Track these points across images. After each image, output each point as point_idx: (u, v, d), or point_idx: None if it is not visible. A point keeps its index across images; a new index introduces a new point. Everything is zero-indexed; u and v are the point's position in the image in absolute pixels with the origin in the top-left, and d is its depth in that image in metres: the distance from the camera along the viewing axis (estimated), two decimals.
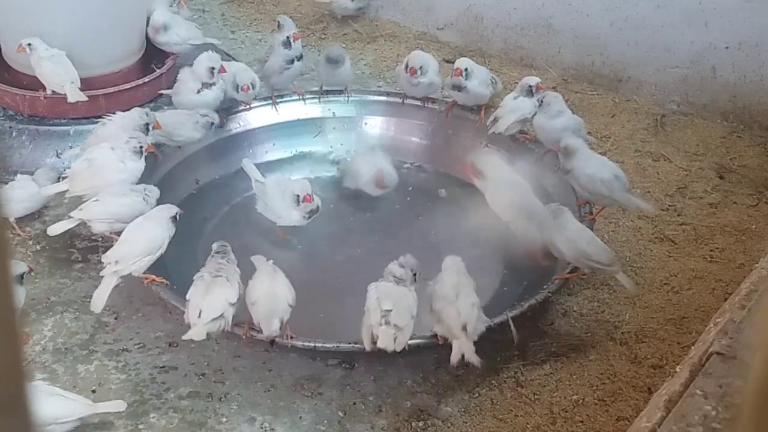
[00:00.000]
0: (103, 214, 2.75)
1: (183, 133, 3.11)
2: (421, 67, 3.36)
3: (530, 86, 3.22)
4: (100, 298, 2.59)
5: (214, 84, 3.21)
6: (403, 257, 2.53)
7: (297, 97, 3.49)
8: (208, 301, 2.44)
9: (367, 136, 3.52)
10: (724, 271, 3.04)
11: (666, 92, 4.02)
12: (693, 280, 3.00)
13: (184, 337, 2.45)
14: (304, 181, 3.01)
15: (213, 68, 3.19)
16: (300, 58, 3.43)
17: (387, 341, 2.32)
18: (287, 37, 3.40)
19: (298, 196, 2.90)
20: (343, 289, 2.86)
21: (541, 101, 3.09)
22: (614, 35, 4.06)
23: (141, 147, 2.88)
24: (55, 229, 2.82)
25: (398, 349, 2.35)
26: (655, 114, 3.95)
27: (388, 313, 2.34)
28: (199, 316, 2.43)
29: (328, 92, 3.52)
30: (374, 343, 2.35)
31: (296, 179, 3.09)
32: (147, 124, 2.99)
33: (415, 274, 2.51)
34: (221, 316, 2.43)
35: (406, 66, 3.38)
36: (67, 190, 2.90)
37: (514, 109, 3.22)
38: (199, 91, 3.21)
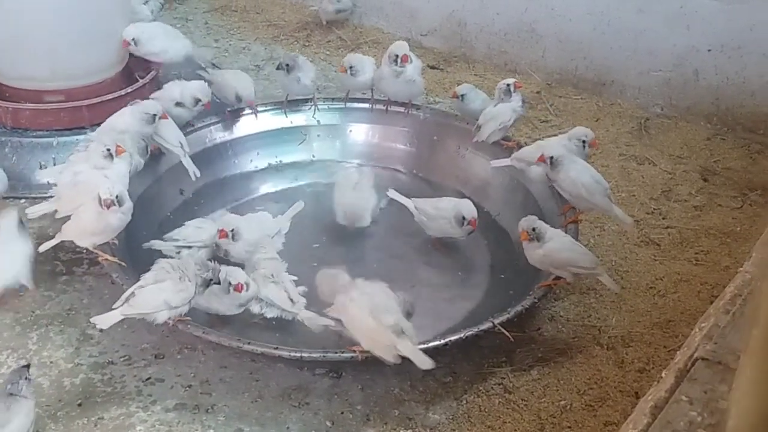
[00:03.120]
0: (78, 230, 2.72)
1: None
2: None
3: (507, 85, 3.23)
4: None
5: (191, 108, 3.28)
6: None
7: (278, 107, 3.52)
8: (145, 292, 2.46)
9: (351, 143, 3.53)
10: (709, 273, 3.05)
11: (649, 96, 4.04)
12: (679, 283, 3.01)
13: (91, 319, 2.49)
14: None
15: (199, 100, 3.25)
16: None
17: (418, 355, 2.32)
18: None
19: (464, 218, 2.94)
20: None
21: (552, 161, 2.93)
22: (597, 39, 4.08)
23: (109, 151, 2.87)
24: (44, 247, 2.80)
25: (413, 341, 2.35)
26: (639, 117, 3.97)
27: (395, 326, 2.32)
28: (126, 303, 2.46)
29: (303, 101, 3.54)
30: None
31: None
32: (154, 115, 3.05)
33: None
34: (151, 313, 2.46)
35: (396, 58, 3.39)
36: (56, 210, 2.85)
37: (494, 116, 3.23)
38: (177, 104, 3.24)
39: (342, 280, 2.55)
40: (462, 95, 3.45)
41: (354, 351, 2.40)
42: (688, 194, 3.49)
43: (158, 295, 2.46)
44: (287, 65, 3.43)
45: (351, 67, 3.48)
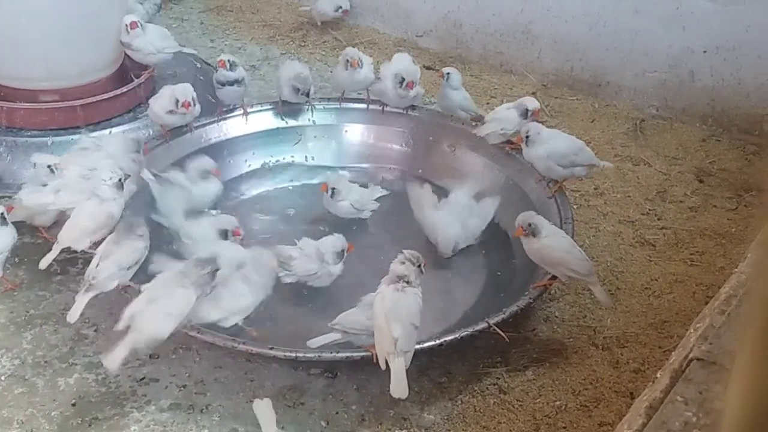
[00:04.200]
0: (76, 234, 2.70)
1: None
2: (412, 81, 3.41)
3: (527, 109, 3.19)
4: None
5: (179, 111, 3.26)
6: (404, 253, 2.47)
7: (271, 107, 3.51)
8: (142, 317, 2.36)
9: (347, 143, 3.53)
10: (704, 274, 3.05)
11: (645, 97, 4.04)
12: (674, 284, 3.01)
13: (103, 362, 2.39)
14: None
15: (177, 101, 3.21)
16: (233, 83, 3.39)
17: (400, 379, 2.30)
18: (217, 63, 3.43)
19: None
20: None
21: (527, 136, 3.07)
22: (593, 40, 4.08)
23: (121, 180, 2.81)
24: (44, 263, 2.79)
25: (407, 365, 2.33)
26: (635, 118, 3.98)
27: (397, 341, 2.29)
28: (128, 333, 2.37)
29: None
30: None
31: None
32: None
33: (419, 266, 2.46)
34: (156, 332, 2.38)
35: (402, 81, 3.37)
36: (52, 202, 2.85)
37: (500, 119, 3.22)
38: (170, 112, 3.23)
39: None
40: (447, 74, 3.44)
41: (370, 351, 2.40)
42: (684, 195, 3.49)
43: (155, 314, 2.37)
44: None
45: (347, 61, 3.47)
